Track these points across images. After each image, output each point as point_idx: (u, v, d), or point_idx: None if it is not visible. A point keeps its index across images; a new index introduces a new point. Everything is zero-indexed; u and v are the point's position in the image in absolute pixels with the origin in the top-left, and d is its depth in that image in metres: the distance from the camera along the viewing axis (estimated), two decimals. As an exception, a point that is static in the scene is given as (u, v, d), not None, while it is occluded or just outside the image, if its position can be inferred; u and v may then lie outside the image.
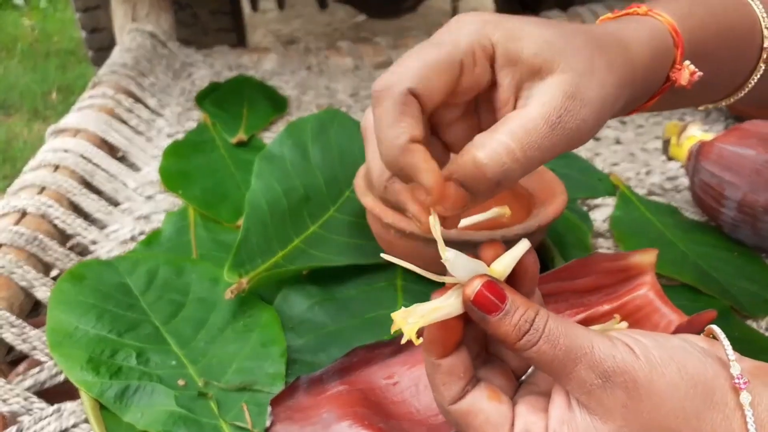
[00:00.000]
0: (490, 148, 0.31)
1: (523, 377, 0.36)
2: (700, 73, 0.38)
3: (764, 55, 0.43)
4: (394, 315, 0.32)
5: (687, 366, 0.32)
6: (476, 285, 0.32)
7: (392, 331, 0.32)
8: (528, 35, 0.33)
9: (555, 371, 0.32)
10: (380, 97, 0.32)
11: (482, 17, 0.34)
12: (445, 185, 0.32)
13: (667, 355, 0.32)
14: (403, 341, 0.32)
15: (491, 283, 0.32)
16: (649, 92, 0.40)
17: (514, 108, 0.34)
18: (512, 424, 0.33)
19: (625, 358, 0.31)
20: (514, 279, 0.34)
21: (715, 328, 0.35)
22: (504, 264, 0.33)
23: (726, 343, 0.34)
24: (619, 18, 0.39)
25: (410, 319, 0.32)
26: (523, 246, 0.34)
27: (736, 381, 0.31)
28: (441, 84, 0.32)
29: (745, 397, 0.31)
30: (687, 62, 0.39)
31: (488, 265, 0.33)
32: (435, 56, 0.32)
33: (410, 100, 0.31)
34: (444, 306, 0.33)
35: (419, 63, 0.32)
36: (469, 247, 0.55)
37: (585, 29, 0.35)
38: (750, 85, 0.44)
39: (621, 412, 0.31)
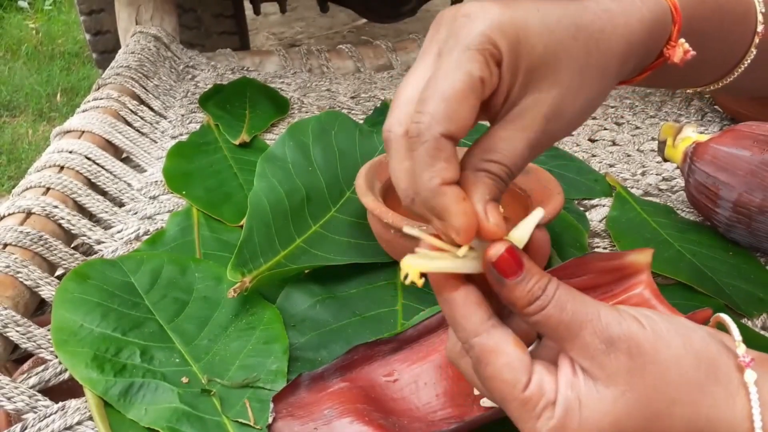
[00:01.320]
0: (496, 167, 0.34)
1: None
2: (693, 53, 0.38)
3: (756, 40, 0.43)
4: (404, 261, 0.32)
5: (693, 340, 0.32)
6: (500, 248, 0.33)
7: (401, 276, 0.33)
8: (531, 39, 0.33)
9: (560, 335, 0.32)
10: (415, 141, 0.32)
11: (486, 14, 0.33)
12: (488, 214, 0.33)
13: (673, 328, 0.32)
14: (408, 282, 0.32)
15: (512, 249, 0.33)
16: (641, 66, 0.40)
17: (506, 98, 0.34)
18: (530, 376, 0.33)
19: (630, 327, 0.32)
20: (527, 252, 0.35)
21: (723, 315, 0.36)
22: (522, 231, 0.35)
23: (733, 326, 0.34)
24: None
25: (416, 261, 0.32)
26: (539, 214, 0.35)
27: (742, 359, 0.32)
28: (469, 112, 0.33)
29: (749, 375, 0.31)
30: (682, 40, 0.39)
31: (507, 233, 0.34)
32: (458, 87, 0.32)
33: (443, 144, 0.32)
34: (455, 263, 0.33)
35: (445, 102, 0.32)
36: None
37: (589, 22, 0.35)
38: (740, 70, 0.44)
39: (624, 378, 0.31)
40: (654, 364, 0.31)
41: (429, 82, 0.33)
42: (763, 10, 0.43)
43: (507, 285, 0.33)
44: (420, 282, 0.32)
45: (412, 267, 0.32)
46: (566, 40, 0.34)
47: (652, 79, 0.42)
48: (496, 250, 0.33)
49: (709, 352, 0.32)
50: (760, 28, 0.43)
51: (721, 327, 0.36)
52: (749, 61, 0.44)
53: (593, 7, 0.36)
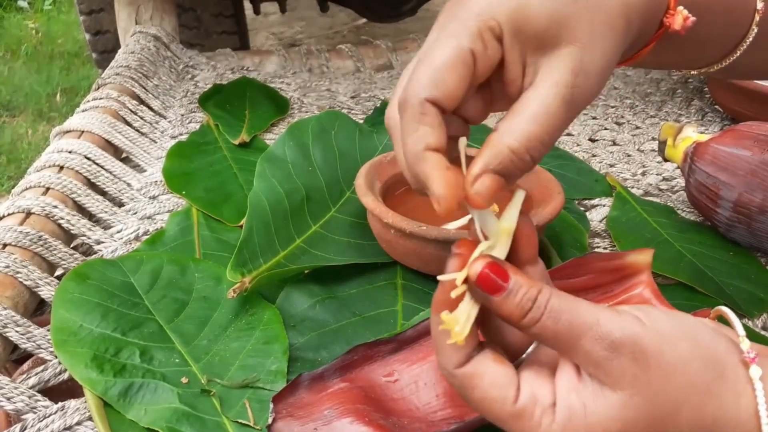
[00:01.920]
0: (521, 135, 0.33)
1: (523, 355, 0.37)
2: (693, 18, 0.38)
3: (757, 18, 0.43)
4: (445, 318, 0.32)
5: (699, 340, 0.32)
6: (478, 266, 0.32)
7: (440, 327, 0.33)
8: (532, 7, 0.33)
9: (560, 346, 0.32)
10: (402, 107, 0.33)
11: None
12: (478, 179, 0.33)
13: (679, 327, 0.32)
14: (449, 341, 0.33)
15: (494, 263, 0.32)
16: (643, 41, 0.39)
17: (522, 82, 0.34)
18: (518, 388, 0.32)
19: (633, 329, 0.31)
20: (514, 246, 0.34)
21: (724, 308, 0.36)
22: (508, 220, 0.34)
23: (736, 320, 0.34)
24: None
25: (457, 328, 0.32)
26: (520, 196, 0.35)
27: (746, 354, 0.32)
28: (457, 82, 0.33)
29: (754, 371, 0.31)
30: (680, 7, 0.38)
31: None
32: (446, 56, 0.33)
33: (427, 109, 0.33)
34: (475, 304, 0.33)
35: (431, 69, 0.33)
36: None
37: None
38: (742, 48, 0.44)
39: (630, 382, 0.30)
40: (659, 367, 0.31)
41: (420, 54, 0.34)
42: None
43: (494, 301, 0.32)
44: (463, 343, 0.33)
45: (454, 334, 0.32)
46: (568, 4, 0.34)
47: (657, 56, 0.42)
48: (475, 268, 0.32)
49: (717, 352, 0.32)
50: (759, 5, 0.43)
51: (722, 320, 0.36)
52: (751, 39, 0.44)
53: None
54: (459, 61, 0.33)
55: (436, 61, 0.33)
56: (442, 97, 0.33)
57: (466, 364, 0.33)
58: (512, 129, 0.33)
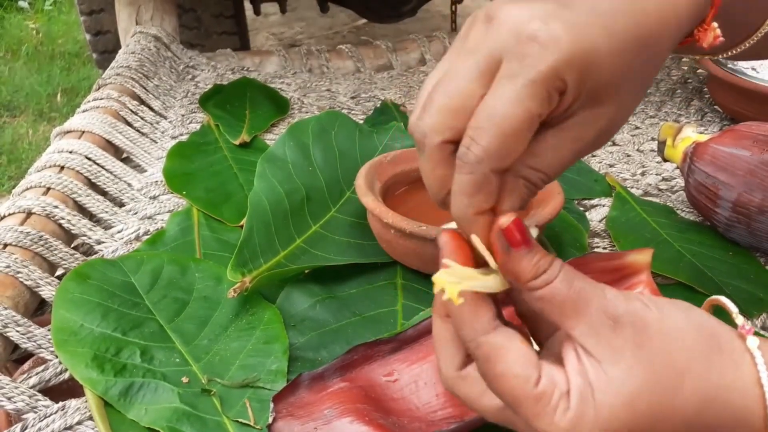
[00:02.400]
0: (532, 173, 0.35)
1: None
2: (722, 39, 0.38)
3: None
4: (436, 277, 0.33)
5: (694, 316, 0.33)
6: (509, 218, 0.32)
7: (435, 291, 0.33)
8: (597, 69, 0.33)
9: (566, 313, 0.32)
10: (460, 167, 0.33)
11: (556, 44, 0.31)
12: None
13: (675, 306, 0.33)
14: (444, 298, 0.32)
15: (520, 222, 0.32)
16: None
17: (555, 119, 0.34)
18: (540, 370, 0.32)
19: (635, 305, 0.32)
20: None
21: (719, 297, 0.36)
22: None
23: (728, 301, 0.35)
24: None
25: (450, 279, 0.33)
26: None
27: (741, 328, 0.32)
28: (521, 146, 0.33)
29: (752, 341, 0.32)
30: (714, 24, 0.39)
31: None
32: (516, 125, 0.32)
33: (490, 179, 0.33)
34: (486, 282, 0.34)
35: (502, 139, 0.32)
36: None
37: (648, 34, 0.34)
38: (762, 33, 0.44)
39: (631, 351, 0.31)
40: (659, 335, 0.31)
41: (484, 107, 0.32)
42: None
43: (514, 255, 0.32)
44: (458, 301, 0.32)
45: (448, 285, 0.32)
46: (631, 60, 0.34)
47: (679, 49, 0.42)
48: (506, 218, 0.32)
49: (710, 325, 0.33)
50: None
51: (716, 312, 0.36)
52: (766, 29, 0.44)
53: (650, 9, 0.35)
54: (527, 129, 0.32)
55: (504, 127, 0.31)
56: (506, 166, 0.33)
57: (495, 332, 0.33)
58: (535, 168, 0.34)
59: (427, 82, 0.35)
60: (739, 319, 0.33)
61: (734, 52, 0.47)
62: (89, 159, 0.78)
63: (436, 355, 0.36)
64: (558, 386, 0.32)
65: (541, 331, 0.36)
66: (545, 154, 0.34)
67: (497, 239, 0.33)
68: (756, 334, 0.33)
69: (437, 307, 0.36)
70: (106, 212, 0.72)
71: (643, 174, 0.85)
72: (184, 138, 0.91)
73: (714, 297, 0.37)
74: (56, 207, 0.67)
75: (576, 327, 0.32)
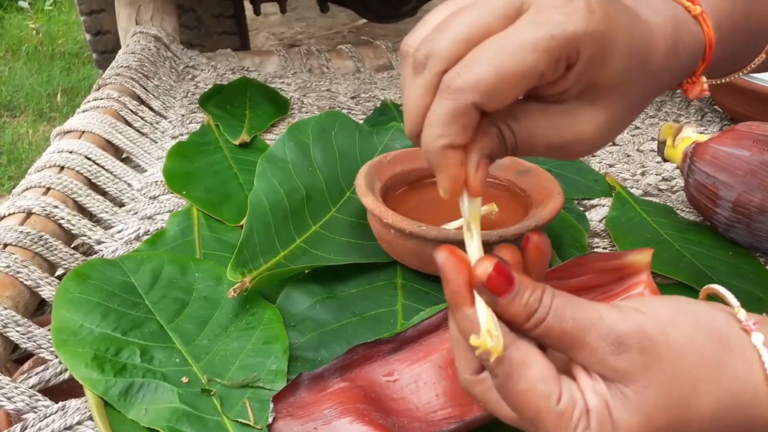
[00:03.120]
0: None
1: None
2: (708, 93, 0.39)
3: None
4: (479, 342, 0.31)
5: (697, 316, 0.32)
6: (487, 266, 0.31)
7: (477, 353, 0.32)
8: (610, 63, 0.33)
9: (566, 346, 0.31)
10: (442, 90, 0.32)
11: (589, 14, 0.31)
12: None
13: (676, 308, 0.32)
14: (493, 359, 0.32)
15: (500, 265, 0.32)
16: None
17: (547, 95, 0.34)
18: (560, 387, 0.32)
19: (635, 319, 0.31)
20: (526, 263, 0.34)
21: (714, 285, 0.36)
22: (475, 204, 0.34)
23: (727, 293, 0.34)
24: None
25: (491, 343, 0.31)
26: (477, 208, 0.35)
27: (745, 323, 0.32)
28: (513, 96, 0.32)
29: (756, 338, 0.31)
30: (703, 78, 0.39)
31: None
32: (517, 67, 0.31)
33: (470, 111, 0.32)
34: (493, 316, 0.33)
35: (496, 74, 0.31)
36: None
37: (653, 45, 0.35)
38: (763, 57, 0.45)
39: (641, 372, 0.30)
40: (668, 350, 0.30)
41: (494, 41, 0.31)
42: None
43: (501, 303, 0.31)
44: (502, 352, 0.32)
45: (492, 349, 0.31)
46: (637, 69, 0.34)
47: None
48: (484, 269, 0.31)
49: (717, 325, 0.32)
50: None
51: (712, 299, 0.36)
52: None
53: (658, 37, 0.36)
54: (525, 80, 0.31)
55: (503, 69, 0.31)
56: (490, 106, 0.32)
57: (513, 346, 0.32)
58: (509, 126, 0.34)
59: (437, 10, 0.34)
60: (741, 314, 0.32)
61: (735, 76, 0.47)
62: (89, 159, 0.78)
63: (454, 354, 0.36)
64: (578, 404, 0.31)
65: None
66: (524, 122, 0.34)
67: (481, 293, 0.32)
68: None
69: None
70: (106, 212, 0.72)
71: (643, 174, 0.85)
72: (184, 138, 0.91)
73: (711, 286, 0.36)
74: (56, 207, 0.67)
75: (579, 357, 0.31)
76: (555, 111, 0.34)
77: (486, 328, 0.32)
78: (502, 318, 0.32)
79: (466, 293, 0.32)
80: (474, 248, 0.34)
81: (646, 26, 0.35)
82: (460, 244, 0.55)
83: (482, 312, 0.32)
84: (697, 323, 0.32)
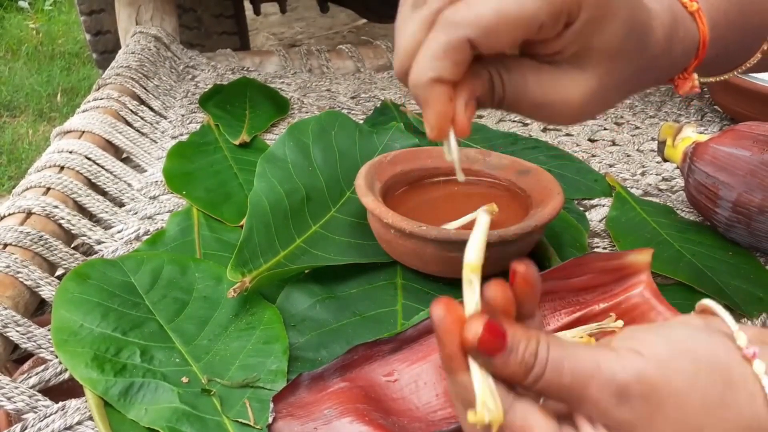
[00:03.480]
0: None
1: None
2: (698, 90, 0.39)
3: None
4: (473, 420, 0.30)
5: (698, 352, 0.31)
6: (477, 328, 0.30)
7: (478, 426, 0.30)
8: (611, 26, 0.33)
9: (566, 399, 0.31)
10: (437, 24, 0.32)
11: None
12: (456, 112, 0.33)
13: (674, 344, 0.31)
14: (494, 430, 0.31)
15: (491, 323, 0.30)
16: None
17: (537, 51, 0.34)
18: None
19: (634, 365, 0.30)
20: (517, 297, 0.32)
21: (709, 302, 0.34)
22: (476, 251, 0.32)
23: (726, 315, 0.33)
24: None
25: (487, 416, 0.30)
26: (484, 220, 0.33)
27: (746, 351, 0.31)
28: (509, 40, 0.32)
29: (758, 366, 0.30)
30: (695, 75, 0.39)
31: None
32: (518, 11, 0.31)
33: (464, 47, 0.31)
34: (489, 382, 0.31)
35: (496, 14, 0.31)
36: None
37: (651, 29, 0.35)
38: (756, 59, 0.44)
39: (645, 423, 0.29)
40: (671, 396, 0.29)
41: None
42: None
43: (498, 363, 0.30)
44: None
45: (493, 419, 0.30)
46: (633, 44, 0.34)
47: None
48: (474, 331, 0.30)
49: (719, 358, 0.31)
50: None
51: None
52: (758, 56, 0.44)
53: (657, 23, 0.36)
54: (526, 25, 0.31)
55: (505, 10, 0.31)
56: (486, 44, 0.31)
57: (511, 411, 0.31)
58: (500, 76, 0.34)
59: None
60: (741, 340, 0.31)
61: (731, 75, 0.47)
62: (89, 159, 0.78)
63: (456, 412, 0.34)
64: None
65: None
66: (514, 74, 0.34)
67: (475, 357, 0.31)
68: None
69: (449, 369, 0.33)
70: (106, 212, 0.72)
71: (643, 174, 0.85)
72: (184, 138, 0.91)
73: (705, 304, 0.35)
74: (56, 207, 0.67)
75: (582, 410, 0.31)
76: (546, 70, 0.34)
77: (481, 399, 0.30)
78: (500, 377, 0.31)
79: (460, 358, 0.31)
80: (472, 302, 0.32)
81: (647, 9, 0.36)
82: (460, 244, 0.56)
83: (477, 379, 0.31)
84: (698, 361, 0.30)
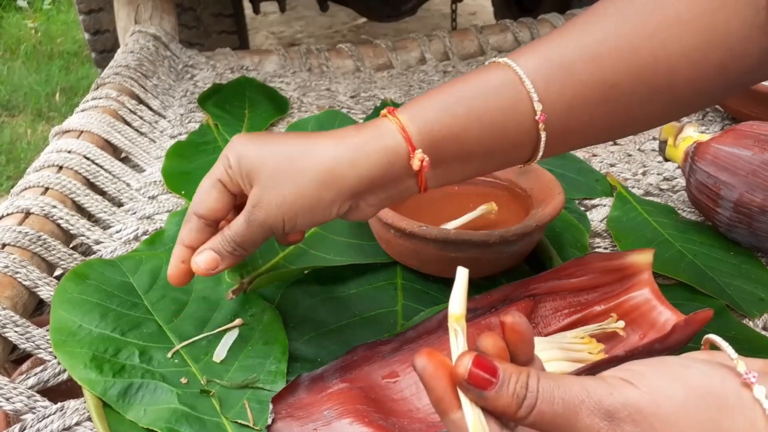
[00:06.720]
0: (223, 235, 0.48)
1: None
2: (427, 160, 0.44)
3: (541, 125, 0.44)
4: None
5: (690, 380, 0.31)
6: (467, 363, 0.31)
7: None
8: (243, 156, 0.46)
9: (559, 428, 0.31)
10: (188, 212, 0.49)
11: (234, 145, 0.47)
12: (199, 255, 0.48)
13: (667, 375, 0.31)
14: None
15: (480, 357, 0.31)
16: (407, 178, 0.45)
17: None
18: None
19: (622, 392, 0.30)
20: (510, 348, 0.33)
21: (713, 336, 0.34)
22: (459, 302, 0.33)
23: (725, 344, 0.33)
24: (354, 128, 0.48)
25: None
26: (462, 274, 0.34)
27: (746, 377, 0.31)
28: (214, 201, 0.47)
29: (758, 391, 0.30)
30: (418, 151, 0.44)
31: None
32: (206, 184, 0.48)
33: (192, 219, 0.48)
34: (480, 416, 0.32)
35: (199, 193, 0.48)
36: (468, 246, 0.56)
37: (292, 148, 0.46)
38: (541, 149, 0.46)
39: None
40: (660, 421, 0.30)
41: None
42: (537, 98, 0.44)
43: (488, 397, 0.31)
44: None
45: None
46: (268, 160, 0.45)
47: (451, 178, 0.47)
48: (464, 366, 0.31)
49: (712, 386, 0.31)
50: (538, 114, 0.44)
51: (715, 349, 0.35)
52: (542, 142, 0.45)
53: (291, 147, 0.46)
54: (212, 187, 0.47)
55: (201, 187, 0.48)
56: (204, 212, 0.47)
57: None
58: (224, 231, 0.48)
59: None
60: (741, 367, 0.31)
61: (532, 162, 0.48)
62: (88, 159, 0.78)
63: None
64: None
65: None
66: (233, 224, 0.47)
67: (466, 392, 0.31)
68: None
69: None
70: (105, 212, 0.72)
71: (644, 174, 0.85)
72: (183, 137, 0.91)
73: (708, 337, 0.35)
74: (55, 207, 0.67)
75: None
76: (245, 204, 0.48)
77: (474, 431, 0.31)
78: (494, 413, 0.31)
79: (450, 397, 0.32)
80: (458, 349, 0.33)
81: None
82: (459, 244, 0.55)
83: (469, 413, 0.31)
84: (689, 387, 0.31)
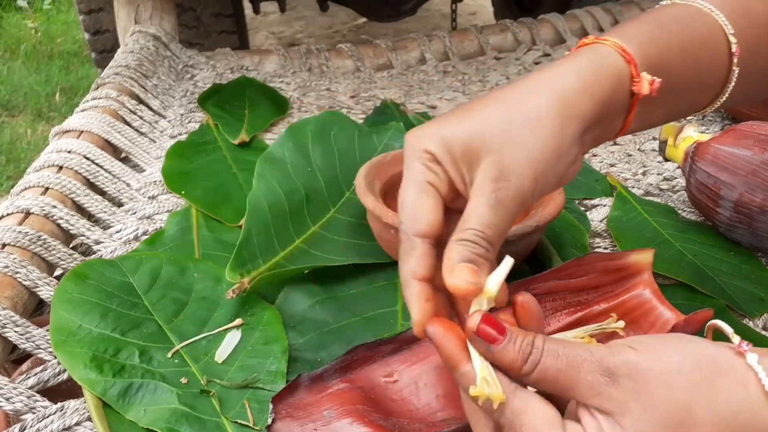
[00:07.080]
0: (464, 233, 0.37)
1: None
2: (659, 80, 0.40)
3: (735, 60, 0.44)
4: (478, 391, 0.33)
5: (686, 348, 0.33)
6: (476, 318, 0.34)
7: (479, 402, 0.34)
8: (447, 136, 0.39)
9: (562, 384, 0.33)
10: (400, 240, 0.39)
11: (422, 131, 0.40)
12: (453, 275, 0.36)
13: (664, 342, 0.33)
14: (495, 405, 0.33)
15: (490, 316, 0.34)
16: (620, 114, 0.42)
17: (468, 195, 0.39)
18: (564, 429, 0.33)
19: (623, 353, 0.32)
20: (520, 324, 0.37)
21: (717, 321, 0.36)
22: (496, 282, 0.35)
23: (724, 324, 0.35)
24: (569, 56, 0.41)
25: (487, 389, 0.33)
26: (508, 263, 0.36)
27: (739, 346, 0.32)
28: (430, 211, 0.38)
29: (751, 358, 0.32)
30: (643, 73, 0.40)
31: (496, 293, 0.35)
32: (413, 194, 0.39)
33: (415, 243, 0.38)
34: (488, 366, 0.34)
35: (408, 209, 0.39)
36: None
37: (506, 100, 0.39)
38: (729, 89, 0.45)
39: (635, 400, 0.31)
40: (657, 377, 0.31)
41: (399, 192, 0.40)
42: (732, 31, 0.43)
43: (495, 351, 0.33)
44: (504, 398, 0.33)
45: (493, 396, 0.33)
46: (477, 125, 0.39)
47: (648, 118, 0.44)
48: (474, 321, 0.34)
49: (705, 352, 0.33)
50: (734, 47, 0.44)
51: (718, 336, 0.37)
52: (734, 79, 0.45)
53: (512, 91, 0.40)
54: (423, 195, 0.39)
55: (406, 200, 0.39)
56: (425, 229, 0.38)
57: (513, 396, 0.33)
58: (463, 229, 0.37)
59: None
60: (735, 339, 0.33)
61: (715, 106, 0.47)
62: (88, 159, 0.78)
63: (463, 405, 0.37)
64: None
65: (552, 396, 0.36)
66: (468, 215, 0.37)
67: (475, 343, 0.34)
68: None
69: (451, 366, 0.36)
70: (105, 212, 0.72)
71: (644, 174, 0.85)
72: (183, 137, 0.91)
73: (711, 322, 0.37)
74: (55, 207, 0.67)
75: (576, 392, 0.32)
76: (473, 188, 0.39)
77: (481, 375, 0.33)
78: (500, 367, 0.34)
79: (460, 352, 0.34)
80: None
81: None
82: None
83: (477, 363, 0.34)
84: (685, 353, 0.32)
